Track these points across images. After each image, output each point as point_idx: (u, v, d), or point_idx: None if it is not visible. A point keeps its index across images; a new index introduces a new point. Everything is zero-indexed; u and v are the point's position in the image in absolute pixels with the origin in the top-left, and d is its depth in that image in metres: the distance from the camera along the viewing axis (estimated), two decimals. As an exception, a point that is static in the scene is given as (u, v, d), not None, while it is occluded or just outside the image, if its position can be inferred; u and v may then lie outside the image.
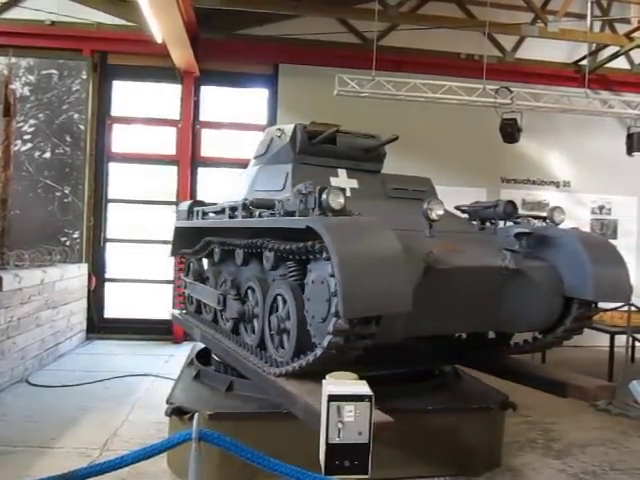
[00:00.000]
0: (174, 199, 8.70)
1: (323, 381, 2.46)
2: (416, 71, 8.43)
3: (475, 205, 4.36)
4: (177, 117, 8.81)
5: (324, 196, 3.04)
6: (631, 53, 9.42)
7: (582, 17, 8.61)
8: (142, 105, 8.89)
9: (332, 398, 2.28)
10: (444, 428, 3.89)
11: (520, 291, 3.61)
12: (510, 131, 8.03)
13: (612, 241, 8.99)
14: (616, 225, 9.71)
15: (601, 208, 9.67)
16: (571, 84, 9.19)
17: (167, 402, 3.94)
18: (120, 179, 8.87)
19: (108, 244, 8.79)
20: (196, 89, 8.78)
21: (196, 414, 2.56)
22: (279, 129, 4.70)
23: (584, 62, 9.13)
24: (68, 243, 8.26)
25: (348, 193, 4.23)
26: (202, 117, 8.94)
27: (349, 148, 4.57)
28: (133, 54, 8.53)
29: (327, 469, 2.27)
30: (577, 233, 3.80)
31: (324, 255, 2.84)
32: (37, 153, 8.29)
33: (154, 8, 6.30)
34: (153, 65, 8.55)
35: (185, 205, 5.68)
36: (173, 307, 8.40)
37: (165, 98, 8.91)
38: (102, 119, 8.68)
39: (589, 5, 8.36)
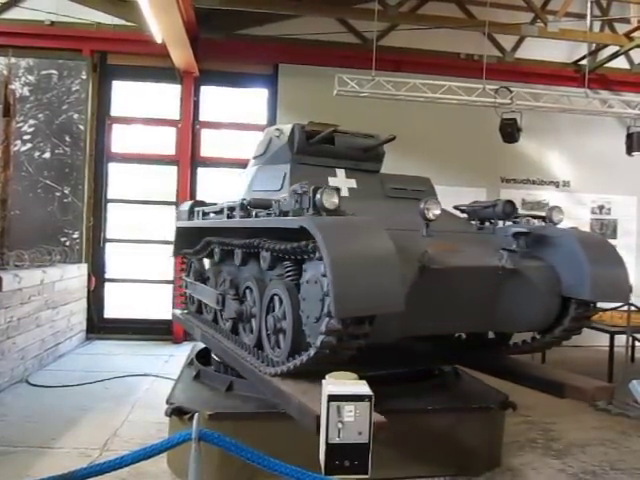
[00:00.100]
0: (174, 199, 8.71)
1: (323, 381, 2.46)
2: (416, 71, 8.44)
3: (474, 205, 4.36)
4: (177, 117, 8.81)
5: (318, 196, 3.05)
6: (631, 53, 9.42)
7: (582, 17, 8.61)
8: (142, 105, 8.89)
9: (332, 398, 2.28)
10: (444, 428, 3.90)
11: (517, 291, 3.60)
12: (510, 131, 8.03)
13: (612, 241, 9.00)
14: (616, 225, 9.71)
15: (601, 208, 9.67)
16: (571, 84, 9.20)
17: (167, 402, 3.94)
18: (120, 179, 8.87)
19: (108, 244, 8.79)
20: (196, 89, 8.78)
21: (196, 414, 2.56)
22: (278, 129, 4.70)
23: (584, 62, 9.14)
24: (68, 243, 8.26)
25: (346, 193, 4.24)
26: (202, 117, 8.94)
27: (347, 148, 4.57)
28: (133, 54, 8.53)
29: (327, 469, 2.27)
30: (575, 233, 3.79)
31: (317, 255, 2.84)
32: (37, 153, 8.29)
33: (154, 8, 6.30)
34: (153, 65, 8.55)
35: (186, 205, 5.69)
36: (173, 307, 8.44)
37: (165, 98, 8.91)
38: (102, 119, 8.68)
39: (589, 5, 8.36)
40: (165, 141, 8.84)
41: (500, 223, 4.15)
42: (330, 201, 3.05)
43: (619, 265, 3.61)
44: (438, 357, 4.53)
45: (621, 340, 6.33)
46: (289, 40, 8.76)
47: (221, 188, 8.24)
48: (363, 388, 2.38)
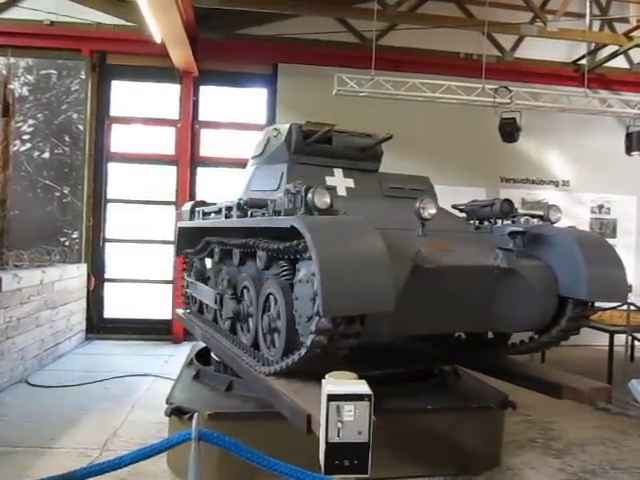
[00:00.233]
0: (173, 199, 8.72)
1: (322, 380, 2.46)
2: (415, 70, 8.44)
3: (472, 204, 4.34)
4: (176, 117, 8.81)
5: (309, 195, 3.05)
6: (630, 52, 9.43)
7: (581, 16, 8.61)
8: (141, 105, 8.88)
9: (332, 398, 2.27)
10: (444, 427, 3.90)
11: (513, 291, 3.57)
12: (509, 130, 8.03)
13: (611, 240, 8.99)
14: (615, 224, 9.71)
15: (600, 207, 9.67)
16: (570, 83, 9.20)
17: (167, 402, 3.94)
18: (119, 179, 8.87)
19: (107, 244, 8.79)
20: (195, 89, 8.78)
21: (196, 414, 2.56)
22: (275, 129, 4.71)
23: (583, 61, 9.15)
24: (67, 243, 8.26)
25: (344, 192, 4.24)
26: (201, 117, 8.94)
27: (345, 147, 4.56)
28: (132, 54, 8.52)
29: (327, 468, 2.27)
30: (572, 232, 3.76)
31: (308, 254, 2.83)
32: (36, 153, 8.29)
33: (153, 8, 6.30)
34: (152, 65, 8.55)
35: (188, 205, 5.72)
36: (174, 307, 8.45)
37: (164, 98, 8.91)
38: (101, 119, 8.68)
39: (588, 4, 8.36)
40: (164, 141, 8.84)
41: (499, 222, 4.13)
42: (322, 200, 3.05)
43: (617, 264, 3.58)
44: (437, 357, 4.52)
45: (621, 339, 6.33)
46: (288, 40, 8.77)
47: (220, 188, 8.26)
48: (363, 387, 2.37)
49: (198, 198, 6.89)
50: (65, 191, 8.33)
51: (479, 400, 4.15)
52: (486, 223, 4.17)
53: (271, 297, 3.49)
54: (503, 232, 3.80)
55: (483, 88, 7.76)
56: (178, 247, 5.88)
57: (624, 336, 6.25)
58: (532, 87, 8.37)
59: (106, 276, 8.81)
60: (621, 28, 9.10)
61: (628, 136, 8.47)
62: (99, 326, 8.53)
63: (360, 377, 2.53)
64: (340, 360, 3.01)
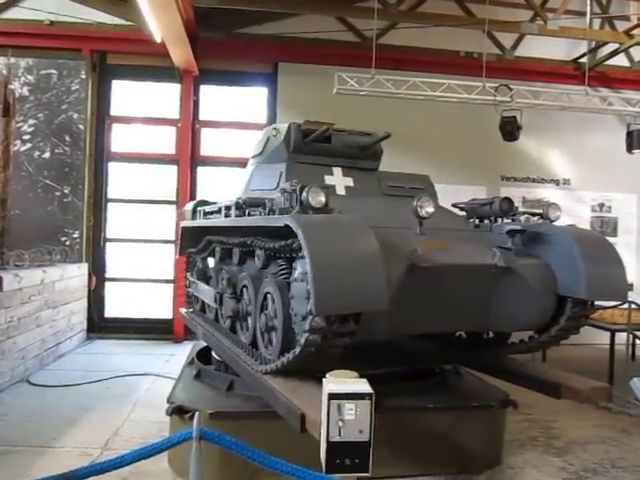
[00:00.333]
0: (174, 198, 8.72)
1: (323, 379, 2.46)
2: (415, 69, 8.44)
3: (472, 202, 4.32)
4: (176, 116, 8.81)
5: (304, 194, 3.06)
6: (631, 50, 9.42)
7: (582, 14, 8.60)
8: (141, 104, 8.88)
9: (333, 396, 2.27)
10: (445, 426, 3.89)
11: (511, 289, 3.55)
12: (510, 129, 8.02)
13: (612, 239, 8.95)
14: (616, 223, 9.70)
15: (601, 206, 9.67)
16: (571, 82, 9.18)
17: (168, 401, 3.94)
18: (120, 178, 8.87)
19: (108, 244, 8.79)
20: (195, 88, 8.78)
21: (197, 413, 2.56)
22: (275, 128, 4.71)
23: (584, 60, 9.14)
24: (68, 243, 8.26)
25: (343, 191, 4.24)
26: (201, 116, 8.94)
27: (344, 146, 4.55)
28: (132, 53, 8.52)
29: (328, 467, 2.27)
30: (572, 230, 3.74)
31: (302, 253, 2.83)
32: (37, 153, 8.29)
33: (153, 7, 6.29)
34: (152, 64, 8.55)
35: (190, 205, 5.74)
36: (174, 306, 8.47)
37: (164, 97, 8.91)
38: (101, 119, 8.68)
39: (588, 2, 8.35)
40: (165, 140, 8.84)
41: (500, 221, 4.11)
42: (316, 199, 3.05)
43: (616, 263, 3.55)
44: (437, 356, 4.52)
45: (622, 338, 6.33)
46: (289, 39, 8.76)
47: (221, 187, 8.26)
48: (364, 386, 2.37)
49: (199, 197, 6.90)
50: (66, 191, 8.33)
51: (480, 399, 4.15)
52: (486, 222, 4.16)
53: (269, 296, 3.49)
54: (502, 231, 3.77)
55: (483, 86, 7.76)
56: (181, 246, 5.91)
57: (625, 335, 6.25)
58: (533, 85, 8.37)
59: (107, 275, 8.81)
60: (622, 26, 9.08)
61: (629, 134, 8.47)
62: (100, 325, 8.54)
63: (361, 376, 2.53)
64: (341, 359, 3.00)
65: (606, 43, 9.27)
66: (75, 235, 8.34)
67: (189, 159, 8.68)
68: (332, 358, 3.01)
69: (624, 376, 4.87)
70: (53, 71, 8.36)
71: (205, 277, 5.47)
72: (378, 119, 6.88)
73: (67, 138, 8.35)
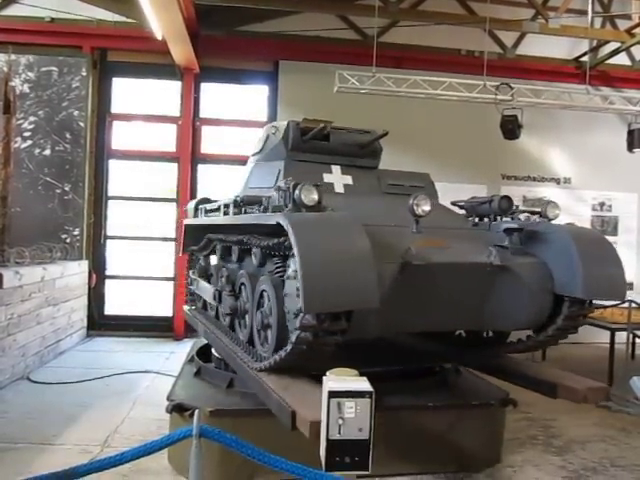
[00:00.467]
0: (174, 196, 8.72)
1: (324, 377, 2.47)
2: (416, 67, 8.42)
3: (471, 201, 4.29)
4: (177, 114, 8.80)
5: (297, 192, 3.06)
6: (632, 49, 9.41)
7: (583, 13, 8.59)
8: (142, 102, 8.88)
9: (333, 394, 2.28)
10: (444, 425, 3.89)
11: (507, 288, 3.52)
12: (511, 128, 8.01)
13: (612, 238, 8.93)
14: (617, 222, 9.70)
15: (602, 205, 9.66)
16: (572, 80, 9.18)
17: (168, 399, 3.94)
18: (120, 176, 8.87)
19: (108, 241, 8.79)
20: (196, 86, 8.77)
21: (197, 411, 2.56)
22: (274, 126, 4.71)
23: (585, 58, 9.13)
24: (68, 240, 8.26)
25: (342, 189, 4.23)
26: (202, 114, 8.93)
27: (342, 144, 4.54)
28: (133, 51, 8.52)
29: (328, 465, 2.27)
30: (569, 228, 3.70)
31: (293, 250, 2.84)
32: (37, 150, 8.28)
33: (154, 5, 6.29)
34: (153, 62, 8.54)
35: (192, 203, 5.76)
36: (175, 304, 8.49)
37: (165, 95, 8.90)
38: (102, 116, 8.67)
39: (590, 1, 8.33)
40: (165, 138, 8.84)
41: (499, 219, 4.10)
42: (309, 197, 3.05)
43: (614, 262, 3.51)
44: (434, 354, 4.51)
45: (622, 337, 6.33)
46: (289, 37, 8.76)
47: (222, 185, 8.26)
48: (364, 384, 2.37)
49: (199, 195, 6.90)
50: (66, 188, 8.32)
51: (480, 397, 4.15)
52: (486, 220, 4.14)
53: (265, 294, 3.50)
54: (499, 229, 3.75)
55: (484, 85, 7.75)
56: (184, 244, 5.92)
57: (625, 334, 6.25)
58: (534, 84, 8.36)
59: (107, 273, 8.81)
60: (623, 25, 9.08)
61: (630, 133, 8.46)
62: (100, 323, 8.54)
63: (361, 374, 2.54)
64: (340, 357, 3.00)
65: (607, 42, 9.25)
66: (75, 232, 8.34)
67: (190, 157, 8.67)
68: (325, 356, 3.01)
69: (624, 375, 4.88)
70: (54, 68, 8.35)
71: (206, 275, 5.48)
72: (379, 117, 6.86)
73: (68, 135, 8.34)
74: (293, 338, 2.94)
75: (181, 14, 6.68)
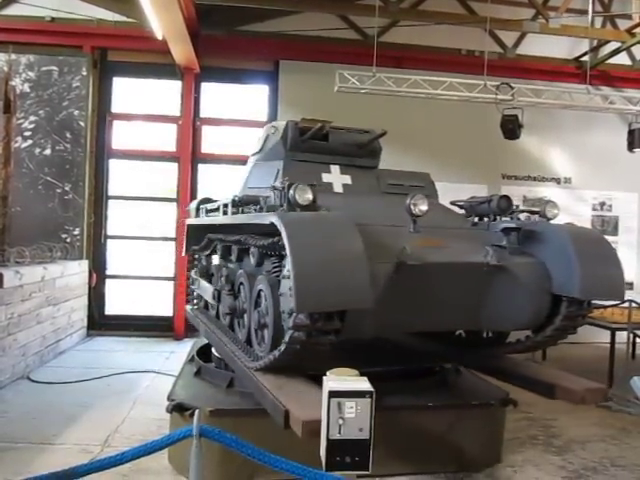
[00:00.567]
0: (175, 196, 8.72)
1: (324, 377, 2.47)
2: (417, 67, 8.42)
3: (470, 200, 4.28)
4: (177, 114, 8.80)
5: (291, 192, 3.07)
6: (632, 49, 9.40)
7: (583, 13, 8.58)
8: (142, 102, 8.88)
9: (333, 394, 2.28)
10: (445, 424, 3.89)
11: (505, 288, 3.49)
12: (511, 127, 8.01)
13: (613, 238, 8.93)
14: (617, 221, 9.69)
15: (602, 204, 9.66)
16: (572, 80, 9.17)
17: (168, 399, 3.95)
18: (120, 176, 8.87)
19: (109, 241, 8.80)
20: (196, 85, 8.77)
21: (197, 410, 2.56)
22: (273, 126, 4.72)
23: (585, 58, 9.12)
24: (69, 240, 8.26)
25: (340, 189, 4.23)
26: (202, 114, 8.93)
27: (341, 144, 4.53)
28: (133, 50, 8.52)
29: (328, 465, 2.27)
30: (567, 228, 3.68)
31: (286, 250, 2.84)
32: (37, 150, 8.28)
33: (154, 5, 6.29)
34: (153, 62, 8.54)
35: (194, 203, 5.77)
36: (175, 304, 8.49)
37: (165, 95, 8.90)
38: (102, 116, 8.67)
39: (590, 1, 8.32)
40: (166, 138, 8.84)
41: (499, 219, 4.09)
42: (303, 197, 3.06)
43: (613, 261, 3.48)
44: (433, 354, 4.51)
45: (622, 337, 6.33)
46: (290, 36, 8.76)
47: (222, 185, 8.25)
48: (364, 384, 2.38)
49: (199, 195, 6.91)
50: (66, 188, 8.33)
51: (480, 397, 4.14)
52: (486, 220, 4.14)
53: (262, 293, 3.50)
54: (498, 229, 3.74)
55: (485, 85, 7.74)
56: (187, 244, 5.94)
57: (625, 333, 6.25)
58: (534, 84, 8.36)
59: (107, 273, 8.82)
60: (623, 25, 9.07)
61: (630, 133, 8.46)
62: (100, 323, 8.54)
63: (361, 374, 2.54)
64: (339, 357, 3.00)
65: (608, 42, 9.24)
66: (76, 232, 8.34)
67: (190, 156, 8.67)
68: (321, 355, 3.01)
69: (624, 375, 4.88)
70: (54, 68, 8.35)
71: (208, 275, 5.49)
72: (379, 117, 6.85)
73: (68, 135, 8.34)
74: (287, 338, 2.95)
75: (181, 14, 6.68)
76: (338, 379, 2.42)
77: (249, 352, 3.67)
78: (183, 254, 6.34)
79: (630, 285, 8.77)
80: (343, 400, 2.26)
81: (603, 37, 9.20)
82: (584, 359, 7.29)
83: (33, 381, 5.87)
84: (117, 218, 8.86)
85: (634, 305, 6.05)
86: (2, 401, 5.19)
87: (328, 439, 2.25)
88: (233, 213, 4.01)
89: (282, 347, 3.03)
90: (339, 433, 2.25)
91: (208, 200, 5.49)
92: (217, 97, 9.04)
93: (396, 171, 4.63)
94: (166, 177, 8.85)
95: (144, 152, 8.86)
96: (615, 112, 8.75)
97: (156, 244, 8.89)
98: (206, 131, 8.99)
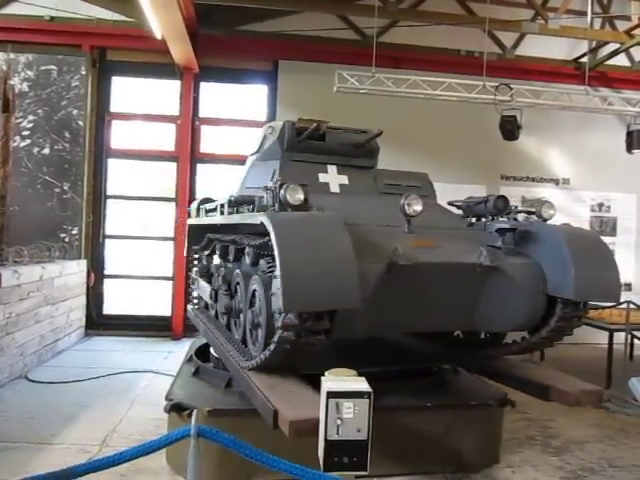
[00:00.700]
0: (173, 195, 8.72)
1: (322, 377, 2.46)
2: (416, 68, 8.42)
3: (468, 201, 4.27)
4: (176, 113, 8.80)
5: (282, 192, 3.08)
6: (631, 50, 9.41)
7: (582, 14, 8.58)
8: (141, 101, 8.87)
9: (331, 395, 2.27)
10: (443, 425, 3.90)
11: (499, 289, 3.48)
12: (510, 128, 8.01)
13: (611, 238, 8.95)
14: (615, 223, 9.70)
15: (600, 205, 9.66)
16: (571, 81, 9.18)
17: (166, 398, 3.94)
18: (119, 175, 8.86)
19: (107, 240, 8.79)
20: (195, 85, 8.77)
21: (195, 410, 2.56)
22: (270, 126, 4.73)
23: (584, 59, 9.13)
24: (67, 239, 8.25)
25: (337, 189, 4.23)
26: (201, 113, 8.93)
27: (338, 144, 4.53)
28: (132, 50, 8.51)
29: (326, 465, 2.27)
30: (563, 229, 3.67)
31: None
32: (36, 149, 8.28)
33: (154, 4, 6.28)
34: (152, 61, 8.53)
35: (195, 203, 5.79)
36: (173, 303, 8.49)
37: (164, 94, 8.89)
38: (101, 115, 8.66)
39: (589, 2, 8.33)
40: (164, 137, 8.83)
41: (496, 220, 4.08)
42: (294, 197, 3.07)
43: (609, 263, 3.46)
44: (429, 355, 4.51)
45: (620, 337, 6.33)
46: (289, 36, 8.75)
47: (221, 185, 8.25)
48: (362, 385, 2.37)
49: (198, 195, 6.90)
50: (65, 187, 8.32)
51: (478, 398, 4.15)
52: (483, 220, 4.12)
53: (256, 293, 3.51)
54: (493, 229, 3.73)
55: (484, 86, 7.75)
56: (188, 244, 5.96)
57: (624, 334, 6.25)
58: (533, 85, 8.36)
59: (106, 272, 8.80)
60: (622, 26, 9.07)
61: (629, 134, 8.47)
62: (98, 322, 8.53)
63: (359, 374, 2.54)
64: (337, 357, 3.01)
65: (607, 43, 9.26)
66: (74, 231, 8.33)
67: (189, 156, 8.67)
68: (312, 355, 3.01)
69: (622, 376, 4.89)
70: (53, 67, 8.34)
71: (207, 275, 5.50)
72: (378, 117, 6.85)
73: (67, 134, 8.34)
74: (276, 337, 2.95)
75: (181, 13, 6.68)
76: (336, 379, 2.42)
77: (244, 352, 3.68)
78: (185, 254, 6.36)
79: (628, 286, 8.79)
80: (341, 400, 2.26)
81: (602, 38, 9.22)
82: (582, 360, 7.30)
83: (31, 381, 5.87)
84: (116, 218, 8.85)
85: (632, 306, 6.06)
86: (0, 401, 5.18)
87: (326, 439, 2.25)
88: (229, 213, 4.02)
89: (271, 347, 3.03)
90: (337, 433, 2.25)
91: (209, 200, 5.50)
92: (216, 97, 9.03)
93: (393, 171, 4.63)
94: (165, 177, 8.84)
95: (143, 152, 8.85)
96: (614, 113, 8.76)
97: (154, 244, 8.89)
98: (205, 131, 8.98)
